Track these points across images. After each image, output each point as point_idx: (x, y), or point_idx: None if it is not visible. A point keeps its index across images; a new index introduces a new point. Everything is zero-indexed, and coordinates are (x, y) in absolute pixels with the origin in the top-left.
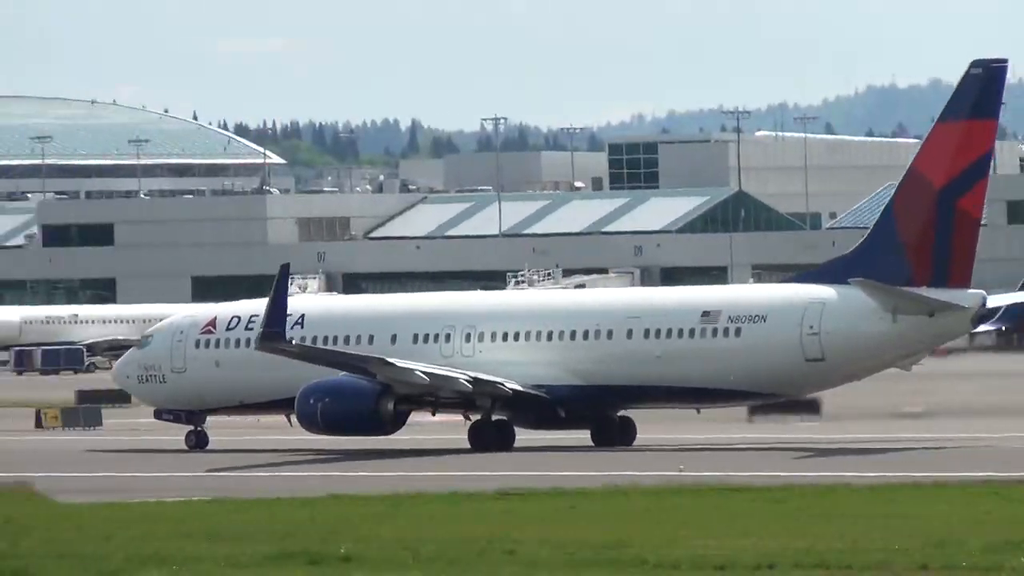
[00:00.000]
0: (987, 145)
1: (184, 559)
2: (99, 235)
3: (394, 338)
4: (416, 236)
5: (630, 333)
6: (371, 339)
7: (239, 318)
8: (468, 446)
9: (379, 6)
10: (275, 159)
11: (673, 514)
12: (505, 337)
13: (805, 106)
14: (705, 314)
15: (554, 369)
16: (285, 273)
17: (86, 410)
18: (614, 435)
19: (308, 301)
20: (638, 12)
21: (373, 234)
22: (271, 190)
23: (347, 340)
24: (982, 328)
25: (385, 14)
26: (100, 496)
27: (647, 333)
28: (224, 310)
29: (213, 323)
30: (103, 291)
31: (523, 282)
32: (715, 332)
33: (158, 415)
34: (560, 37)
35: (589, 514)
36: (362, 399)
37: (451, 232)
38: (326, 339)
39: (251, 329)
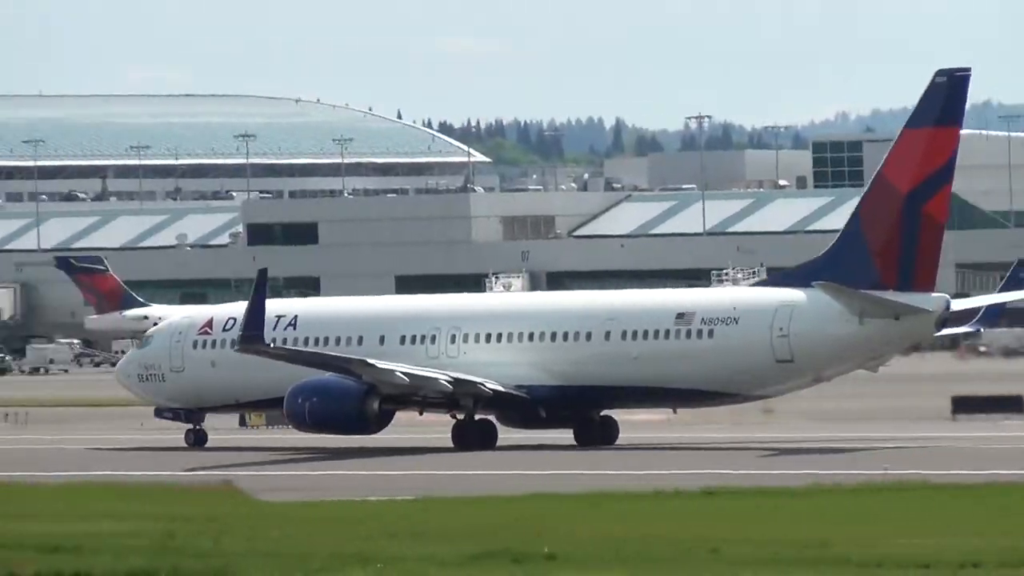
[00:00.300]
0: (951, 152)
1: (388, 558)
2: (303, 234)
3: (382, 339)
4: (620, 234)
5: (608, 335)
6: (360, 340)
7: (235, 319)
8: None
9: (583, 5)
10: (479, 157)
11: (877, 513)
12: (488, 338)
13: (1011, 104)
14: (680, 316)
15: (534, 370)
16: (263, 278)
17: None
18: (596, 434)
19: (301, 303)
20: (841, 11)
21: (577, 232)
22: (475, 189)
23: (338, 341)
24: (961, 329)
25: (589, 13)
26: (303, 495)
27: (624, 335)
28: (220, 312)
29: (210, 324)
30: (307, 290)
31: (727, 280)
32: (689, 334)
33: (158, 414)
34: (765, 35)
35: (793, 513)
36: (348, 399)
37: (655, 230)
38: (318, 340)
39: None
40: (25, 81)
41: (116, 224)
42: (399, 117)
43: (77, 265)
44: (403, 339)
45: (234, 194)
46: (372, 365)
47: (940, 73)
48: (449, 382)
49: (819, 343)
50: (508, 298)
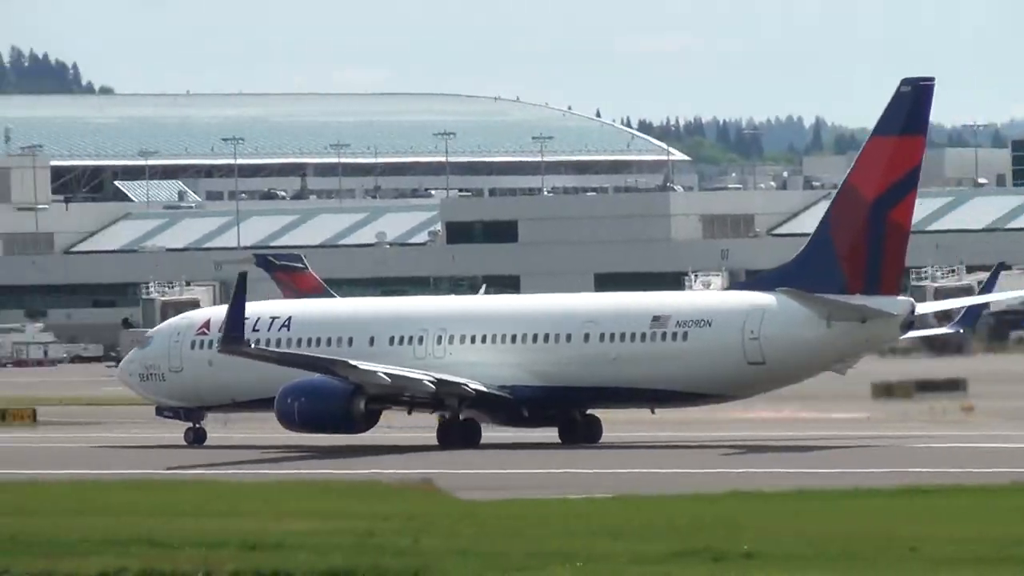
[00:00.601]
0: (916, 159)
1: (588, 556)
2: (503, 232)
3: (372, 340)
4: None
5: (587, 337)
6: (351, 341)
7: None
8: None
9: (782, 4)
10: (678, 156)
11: None
12: (473, 340)
13: None
14: (656, 319)
15: (517, 370)
16: (243, 281)
17: None
18: (580, 433)
19: (296, 304)
20: None
21: (776, 231)
22: (674, 187)
23: (329, 342)
24: (942, 330)
25: (788, 11)
26: (502, 493)
27: (602, 337)
28: (218, 313)
29: (207, 325)
30: (507, 288)
31: (926, 279)
32: (664, 336)
33: (159, 412)
34: (962, 35)
35: (993, 511)
36: (335, 399)
37: None
38: (310, 341)
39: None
40: (225, 80)
41: (315, 222)
42: (598, 115)
43: (276, 263)
44: (392, 340)
45: (433, 192)
46: (354, 366)
47: (905, 82)
48: (432, 382)
49: (789, 346)
50: (493, 300)
